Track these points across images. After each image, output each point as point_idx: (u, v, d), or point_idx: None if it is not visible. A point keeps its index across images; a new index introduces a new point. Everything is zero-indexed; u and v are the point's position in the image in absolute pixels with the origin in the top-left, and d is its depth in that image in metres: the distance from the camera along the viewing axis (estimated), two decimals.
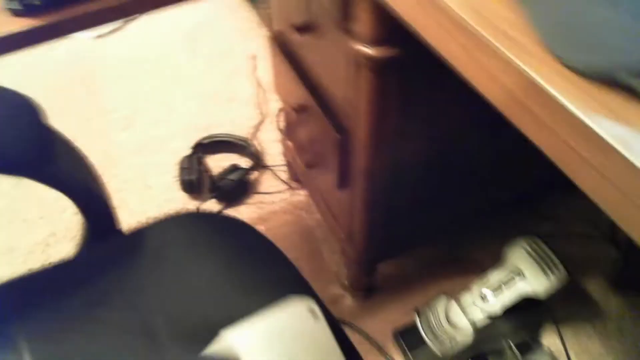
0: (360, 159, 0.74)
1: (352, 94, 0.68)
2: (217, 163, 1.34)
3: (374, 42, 0.58)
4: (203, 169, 1.20)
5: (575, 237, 1.17)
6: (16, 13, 0.45)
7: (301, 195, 1.28)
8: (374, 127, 0.68)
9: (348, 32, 0.60)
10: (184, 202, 1.26)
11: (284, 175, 1.31)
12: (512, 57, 0.34)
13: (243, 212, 1.24)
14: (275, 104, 1.47)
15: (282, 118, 1.40)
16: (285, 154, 1.22)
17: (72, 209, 1.26)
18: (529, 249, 0.92)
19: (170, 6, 0.49)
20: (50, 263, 0.48)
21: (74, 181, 0.41)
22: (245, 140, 1.32)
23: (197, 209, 1.22)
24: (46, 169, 0.38)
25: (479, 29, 0.36)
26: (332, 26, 0.64)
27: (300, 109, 0.88)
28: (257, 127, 1.42)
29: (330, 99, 0.78)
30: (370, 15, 0.55)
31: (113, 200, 1.28)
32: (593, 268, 1.13)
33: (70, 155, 0.42)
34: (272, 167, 1.32)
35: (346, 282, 1.10)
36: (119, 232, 0.47)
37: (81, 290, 0.43)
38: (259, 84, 1.53)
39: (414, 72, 0.63)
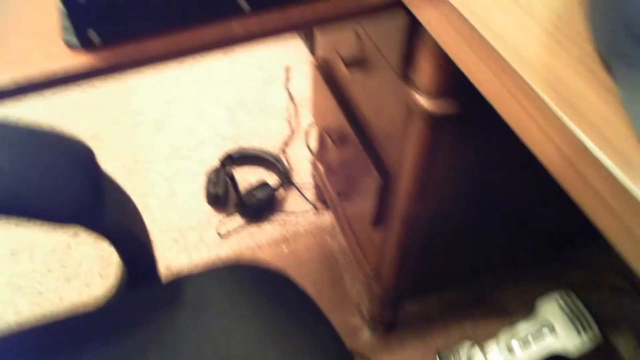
0: (400, 203, 0.72)
1: (399, 139, 0.65)
2: (245, 176, 1.32)
3: (434, 95, 0.55)
4: (230, 183, 1.19)
5: (606, 288, 1.14)
6: (73, 47, 0.43)
7: (326, 217, 1.25)
8: (420, 176, 0.66)
9: (405, 78, 0.58)
10: (207, 214, 1.25)
11: (311, 195, 1.28)
12: (593, 145, 0.31)
13: (267, 230, 1.22)
14: (306, 119, 1.45)
15: (312, 135, 1.38)
16: (314, 176, 1.20)
17: None
18: (563, 304, 0.89)
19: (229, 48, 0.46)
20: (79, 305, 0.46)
21: (121, 229, 0.39)
22: (275, 156, 1.31)
23: (226, 230, 1.21)
24: (96, 218, 0.37)
25: (558, 110, 0.34)
26: (387, 68, 0.62)
27: (338, 140, 0.86)
28: (287, 142, 1.40)
29: (373, 137, 0.75)
30: (434, 68, 0.53)
31: (137, 205, 1.27)
32: (623, 323, 1.09)
33: (118, 201, 0.41)
34: (299, 186, 1.30)
35: (367, 314, 1.08)
36: (156, 279, 0.46)
37: (115, 340, 0.41)
38: (291, 97, 1.51)
39: (470, 127, 0.60)
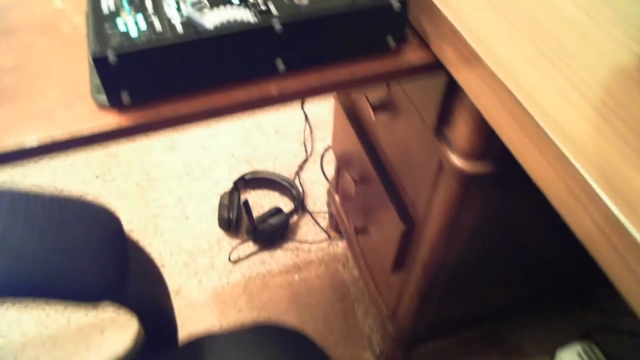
0: (423, 251, 0.69)
1: (427, 190, 0.63)
2: (258, 200, 1.30)
3: (469, 156, 0.53)
4: (243, 208, 1.17)
5: (625, 333, 1.11)
6: (102, 105, 0.41)
7: (340, 246, 1.23)
8: (447, 229, 0.64)
9: (439, 135, 0.56)
10: (219, 237, 1.23)
11: (324, 222, 1.27)
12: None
13: (279, 257, 1.21)
14: (322, 142, 1.44)
15: (328, 160, 1.37)
16: (329, 204, 1.18)
17: None
18: (584, 355, 0.87)
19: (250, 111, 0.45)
20: None
21: (145, 300, 0.37)
22: (289, 181, 1.29)
23: (236, 258, 1.19)
24: (122, 293, 0.35)
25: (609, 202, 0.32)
26: (419, 121, 0.60)
27: (359, 178, 0.84)
28: (301, 166, 1.38)
29: (397, 181, 0.73)
30: (472, 131, 0.51)
31: (148, 225, 1.26)
32: None
33: (143, 270, 0.39)
34: (313, 213, 1.28)
35: (378, 350, 1.05)
36: (175, 343, 0.44)
37: None
38: (307, 119, 1.49)
39: (503, 185, 0.58)
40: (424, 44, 0.48)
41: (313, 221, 1.27)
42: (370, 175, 0.78)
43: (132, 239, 0.40)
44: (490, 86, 0.41)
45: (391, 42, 0.46)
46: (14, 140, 0.40)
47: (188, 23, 0.39)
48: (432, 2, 0.45)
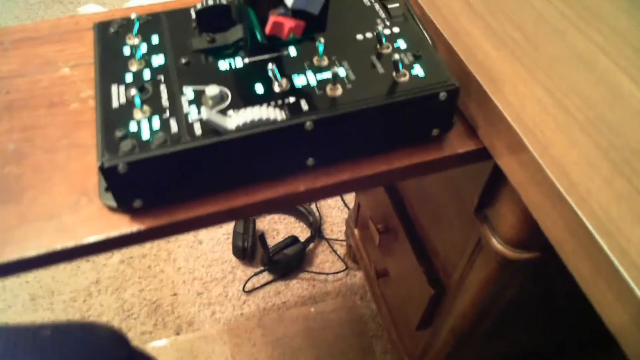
0: (453, 318, 0.65)
1: (461, 262, 0.58)
2: (274, 225, 1.26)
3: (513, 244, 0.48)
4: (257, 236, 1.13)
5: None
6: (112, 209, 0.37)
7: (357, 277, 1.19)
8: (481, 303, 0.59)
9: (481, 215, 0.51)
10: (232, 265, 1.19)
11: (341, 250, 1.22)
12: None
13: (294, 287, 1.17)
14: None
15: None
16: (347, 236, 1.14)
17: (119, 256, 1.21)
18: None
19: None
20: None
21: None
22: (306, 207, 1.24)
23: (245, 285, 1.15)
24: None
25: None
26: (458, 197, 0.55)
27: (383, 229, 0.79)
28: None
29: (427, 241, 0.69)
30: (518, 220, 0.46)
31: (161, 251, 1.22)
32: None
33: None
34: (330, 240, 1.23)
35: None
36: None
37: None
38: None
39: (545, 268, 0.53)
40: (471, 129, 0.43)
41: (330, 249, 1.22)
42: (397, 229, 0.73)
43: (138, 351, 0.36)
44: (546, 194, 0.35)
45: (435, 132, 0.41)
46: (14, 250, 0.35)
47: (208, 123, 0.34)
48: (482, 88, 0.40)
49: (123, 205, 0.36)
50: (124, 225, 0.37)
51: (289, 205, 0.41)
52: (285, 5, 0.32)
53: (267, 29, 0.32)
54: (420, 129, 0.40)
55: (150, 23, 0.42)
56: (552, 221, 0.35)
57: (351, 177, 0.40)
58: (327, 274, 1.18)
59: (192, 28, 0.41)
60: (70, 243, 0.36)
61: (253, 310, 1.13)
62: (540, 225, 0.37)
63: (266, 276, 1.17)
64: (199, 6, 0.41)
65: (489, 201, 0.49)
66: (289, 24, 0.32)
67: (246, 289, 1.15)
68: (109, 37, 0.41)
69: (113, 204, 0.36)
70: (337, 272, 1.19)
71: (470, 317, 0.62)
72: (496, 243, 0.49)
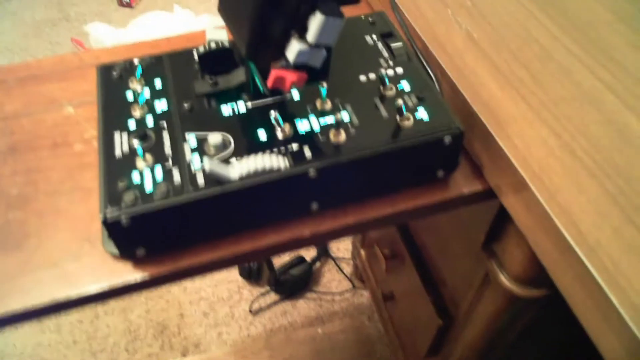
0: (462, 348, 0.64)
1: (469, 295, 0.57)
2: None
3: (521, 281, 0.47)
4: (265, 261, 1.13)
5: None
6: (115, 256, 0.37)
7: (364, 296, 1.18)
8: (488, 335, 0.58)
9: (488, 251, 0.50)
10: (239, 285, 1.19)
11: (348, 268, 1.21)
12: None
13: (301, 307, 1.16)
14: None
15: None
16: (354, 256, 1.13)
17: None
18: None
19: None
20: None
21: None
22: None
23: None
24: None
25: None
26: (464, 228, 0.54)
27: (390, 255, 0.78)
28: None
29: (435, 270, 0.68)
30: (526, 257, 0.45)
31: None
32: None
33: None
34: (336, 258, 1.22)
35: None
36: None
37: None
38: None
39: (556, 304, 0.52)
40: (477, 168, 0.42)
41: (336, 267, 1.22)
42: (404, 255, 0.72)
43: None
44: (554, 242, 0.35)
45: (440, 173, 0.40)
46: (16, 301, 0.35)
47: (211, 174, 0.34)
48: (487, 129, 0.39)
49: (126, 254, 0.36)
50: (127, 274, 0.37)
51: (294, 249, 0.40)
52: (287, 59, 0.31)
53: (269, 83, 0.32)
54: (425, 171, 0.40)
55: (153, 66, 0.42)
56: (561, 270, 0.35)
57: (356, 220, 0.39)
58: (334, 293, 1.18)
59: (195, 70, 0.41)
60: (72, 293, 0.36)
61: (260, 331, 1.12)
62: (549, 272, 0.36)
63: (273, 296, 1.17)
64: (201, 49, 0.41)
65: (497, 236, 0.48)
66: (291, 77, 0.32)
67: (253, 310, 1.15)
68: (112, 81, 0.41)
69: (116, 251, 0.36)
70: (344, 292, 1.18)
71: (479, 348, 0.62)
72: (504, 280, 0.48)
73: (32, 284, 0.36)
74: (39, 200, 0.41)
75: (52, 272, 0.37)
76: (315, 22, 0.29)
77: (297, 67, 0.32)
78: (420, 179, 0.40)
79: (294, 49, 0.30)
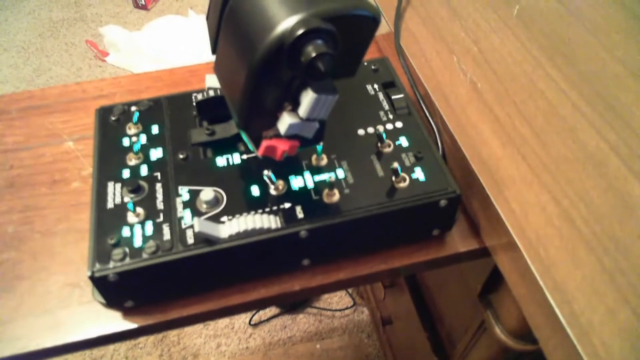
0: None
1: (465, 338, 0.57)
2: None
3: (517, 336, 0.46)
4: None
5: None
6: (104, 305, 0.37)
7: (364, 313, 1.18)
8: None
9: (483, 299, 0.50)
10: None
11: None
12: None
13: (301, 322, 1.16)
14: None
15: None
16: None
17: None
18: None
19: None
20: None
21: None
22: None
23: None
24: None
25: None
26: (462, 276, 0.54)
27: (389, 285, 0.78)
28: None
29: (433, 306, 0.67)
30: (520, 313, 0.44)
31: None
32: None
33: None
34: None
35: None
36: None
37: None
38: None
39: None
40: (474, 225, 0.42)
41: None
42: (403, 287, 0.72)
43: None
44: (547, 318, 0.34)
45: (436, 232, 0.40)
46: (7, 347, 0.35)
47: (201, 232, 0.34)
48: (485, 190, 0.39)
49: (114, 306, 0.36)
50: (116, 323, 0.37)
51: (284, 302, 0.40)
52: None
53: (260, 152, 0.32)
54: (420, 230, 0.39)
55: (151, 110, 0.42)
56: (553, 346, 0.34)
57: (348, 276, 0.39)
58: (335, 310, 1.17)
59: (193, 116, 0.41)
60: (60, 342, 0.36)
61: (259, 344, 1.13)
62: (541, 345, 0.35)
63: (273, 309, 1.17)
64: (199, 96, 0.41)
65: (494, 288, 0.48)
66: (282, 147, 0.31)
67: (252, 322, 1.15)
68: (110, 125, 0.41)
69: (104, 302, 0.36)
70: (345, 309, 1.18)
71: None
72: (499, 332, 0.48)
73: (23, 331, 0.36)
74: (34, 240, 0.41)
75: (43, 319, 0.37)
76: (307, 98, 0.28)
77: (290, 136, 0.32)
78: (415, 237, 0.40)
79: (285, 123, 0.30)
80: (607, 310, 0.32)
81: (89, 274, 0.33)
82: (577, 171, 0.39)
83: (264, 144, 0.31)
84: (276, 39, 0.26)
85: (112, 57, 1.70)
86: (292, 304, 1.16)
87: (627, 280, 0.33)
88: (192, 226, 0.34)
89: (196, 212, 0.35)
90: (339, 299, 1.19)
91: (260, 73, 0.28)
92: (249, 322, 1.15)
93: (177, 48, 1.62)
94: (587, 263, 0.34)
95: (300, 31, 0.25)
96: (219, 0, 0.32)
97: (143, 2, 1.90)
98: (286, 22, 0.26)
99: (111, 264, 0.33)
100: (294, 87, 0.29)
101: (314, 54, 0.24)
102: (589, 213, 0.37)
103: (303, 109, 0.29)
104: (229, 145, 0.39)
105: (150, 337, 1.13)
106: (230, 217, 0.35)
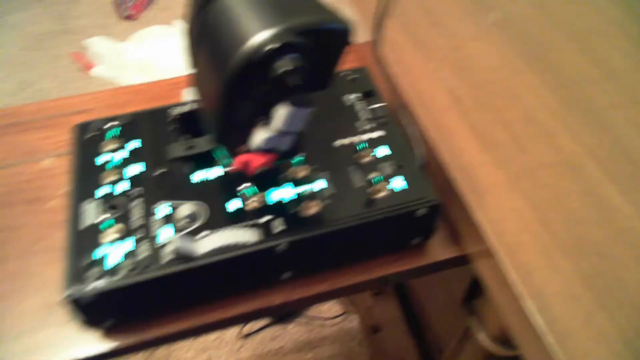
0: None
1: (451, 346, 0.57)
2: None
3: (501, 342, 0.47)
4: None
5: None
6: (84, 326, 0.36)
7: (355, 322, 1.17)
8: None
9: (466, 304, 0.50)
10: None
11: None
12: None
13: (291, 332, 1.15)
14: None
15: None
16: None
17: None
18: None
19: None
20: None
21: None
22: None
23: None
24: None
25: None
26: (446, 283, 0.54)
27: (377, 293, 0.78)
28: None
29: (420, 313, 0.67)
30: (503, 320, 0.44)
31: None
32: None
33: None
34: None
35: None
36: None
37: None
38: None
39: None
40: (455, 232, 0.42)
41: None
42: (391, 297, 0.72)
43: None
44: (526, 326, 0.34)
45: (416, 241, 0.40)
46: None
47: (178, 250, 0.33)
48: (464, 198, 0.39)
49: (93, 326, 0.35)
50: (96, 343, 0.36)
51: (266, 317, 0.40)
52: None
53: (234, 167, 0.32)
54: (401, 240, 0.39)
55: (130, 125, 0.42)
56: (533, 353, 0.34)
57: (329, 288, 0.39)
58: (325, 318, 1.17)
59: (171, 131, 0.41)
60: None
61: (249, 355, 1.12)
62: (522, 352, 0.36)
63: (263, 320, 1.16)
64: (177, 110, 0.41)
65: (477, 294, 0.48)
66: (256, 162, 0.31)
67: (243, 334, 1.14)
68: (87, 141, 0.41)
69: (84, 322, 0.36)
70: (335, 317, 1.17)
71: None
72: (483, 338, 0.48)
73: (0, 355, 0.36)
74: (11, 261, 0.40)
75: (20, 341, 0.36)
76: (280, 112, 0.28)
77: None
78: (395, 246, 0.40)
79: (258, 137, 0.29)
80: (585, 316, 0.32)
81: (63, 296, 0.32)
82: (555, 176, 0.40)
83: (238, 159, 0.31)
84: (245, 55, 0.26)
85: (97, 69, 1.69)
86: (282, 314, 1.15)
87: (604, 284, 0.33)
88: (169, 244, 0.34)
89: (175, 228, 0.35)
90: (329, 307, 1.19)
91: (232, 88, 0.28)
92: (240, 334, 1.14)
93: (163, 58, 1.62)
94: (565, 268, 0.34)
95: (268, 47, 0.25)
96: (194, 13, 0.32)
97: (128, 13, 1.90)
98: (255, 38, 0.26)
99: (86, 285, 0.32)
100: (268, 101, 0.29)
101: (281, 70, 0.24)
102: (566, 217, 0.37)
103: (277, 123, 0.29)
104: (208, 159, 0.39)
105: (140, 351, 1.12)
106: (209, 232, 0.35)
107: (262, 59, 0.25)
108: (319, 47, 0.27)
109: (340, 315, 1.17)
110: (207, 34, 0.31)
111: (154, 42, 1.68)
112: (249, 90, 0.28)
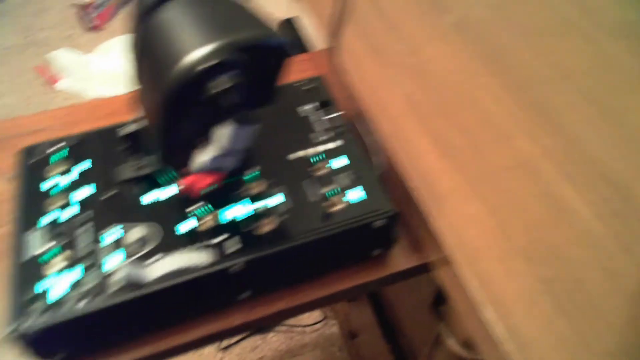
0: None
1: (424, 352, 0.56)
2: None
3: (469, 346, 0.46)
4: None
5: None
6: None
7: (334, 327, 1.17)
8: None
9: (434, 310, 0.49)
10: None
11: None
12: None
13: (271, 341, 1.14)
14: None
15: None
16: None
17: None
18: None
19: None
20: None
21: None
22: None
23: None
24: None
25: None
26: (416, 288, 0.53)
27: (352, 298, 0.77)
28: None
29: (396, 323, 0.67)
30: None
31: None
32: None
33: None
34: None
35: None
36: None
37: None
38: None
39: None
40: (416, 241, 0.41)
41: None
42: (365, 303, 0.71)
43: None
44: (486, 335, 0.34)
45: (376, 252, 0.39)
46: None
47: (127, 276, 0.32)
48: (424, 206, 0.38)
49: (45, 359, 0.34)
50: None
51: (227, 338, 0.39)
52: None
53: (180, 189, 0.31)
54: (360, 252, 0.39)
55: (78, 146, 0.40)
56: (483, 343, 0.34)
57: (289, 305, 0.38)
58: (305, 325, 1.16)
59: (121, 150, 0.40)
60: None
61: None
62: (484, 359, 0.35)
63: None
64: (126, 129, 0.39)
65: (445, 299, 0.47)
66: (201, 182, 0.30)
67: (222, 346, 1.12)
68: (32, 166, 0.39)
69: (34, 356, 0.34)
70: (315, 323, 1.16)
71: None
72: (452, 343, 0.47)
73: None
74: None
75: None
76: (223, 130, 0.27)
77: None
78: (356, 259, 0.39)
79: (200, 159, 0.28)
80: (545, 321, 0.32)
81: (6, 332, 0.31)
82: (512, 179, 0.39)
83: (183, 180, 0.30)
84: (178, 75, 0.25)
85: (62, 82, 1.65)
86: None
87: (563, 287, 0.33)
88: (119, 270, 0.33)
89: (125, 253, 0.34)
90: (308, 314, 1.18)
91: (169, 107, 0.27)
92: (219, 346, 1.12)
93: (129, 69, 1.59)
94: (525, 273, 0.34)
95: (201, 67, 0.24)
96: (135, 24, 0.31)
97: (93, 24, 1.86)
98: (189, 57, 0.25)
99: (30, 320, 0.31)
100: (210, 120, 0.28)
101: (215, 91, 0.23)
102: (525, 221, 0.37)
103: (220, 142, 0.28)
104: (159, 178, 0.38)
105: None
106: (161, 256, 0.33)
107: (195, 79, 0.24)
108: (257, 62, 0.26)
109: (320, 321, 1.16)
110: (147, 48, 0.30)
111: (119, 53, 1.65)
112: (187, 109, 0.27)
